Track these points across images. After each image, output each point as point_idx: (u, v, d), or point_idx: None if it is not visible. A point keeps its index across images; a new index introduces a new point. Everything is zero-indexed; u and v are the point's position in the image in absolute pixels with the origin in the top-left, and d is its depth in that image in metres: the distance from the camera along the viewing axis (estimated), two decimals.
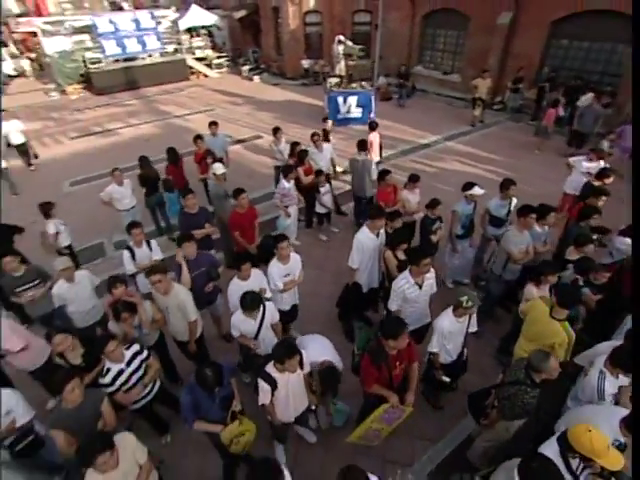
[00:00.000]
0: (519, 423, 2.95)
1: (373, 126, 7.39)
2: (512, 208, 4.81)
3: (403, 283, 3.47)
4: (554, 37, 10.95)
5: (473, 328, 3.35)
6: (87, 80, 18.14)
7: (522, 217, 4.12)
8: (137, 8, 22.72)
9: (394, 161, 9.31)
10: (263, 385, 2.74)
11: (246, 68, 21.10)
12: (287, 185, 5.75)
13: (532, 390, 2.69)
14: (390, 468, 3.43)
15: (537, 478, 2.00)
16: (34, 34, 21.40)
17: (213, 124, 7.38)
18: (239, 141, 11.21)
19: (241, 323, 3.28)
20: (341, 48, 11.57)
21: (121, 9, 23.19)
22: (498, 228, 4.85)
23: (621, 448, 2.46)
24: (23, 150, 9.52)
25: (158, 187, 6.30)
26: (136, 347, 3.12)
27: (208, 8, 23.81)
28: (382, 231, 4.18)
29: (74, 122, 13.67)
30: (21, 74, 23.86)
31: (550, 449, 2.29)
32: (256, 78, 19.87)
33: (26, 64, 24.63)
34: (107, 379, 2.94)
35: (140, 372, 3.11)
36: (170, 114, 14.17)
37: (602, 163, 5.76)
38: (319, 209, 6.34)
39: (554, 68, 10.98)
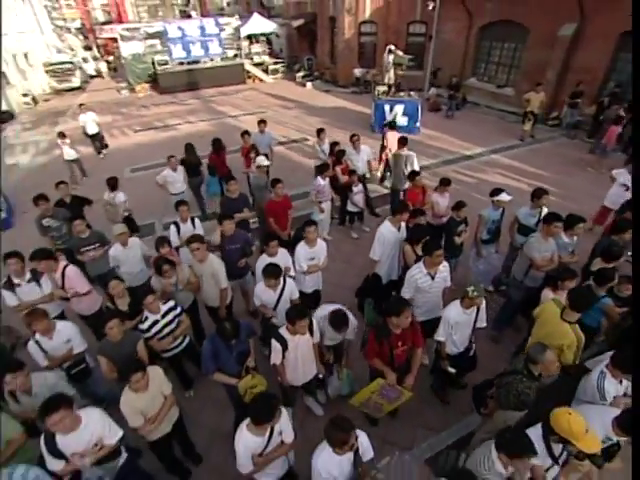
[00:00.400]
0: (518, 415, 3.06)
1: (392, 125, 8.19)
2: (542, 218, 4.85)
3: (416, 272, 3.72)
4: (622, 50, 10.51)
5: (482, 323, 3.52)
6: (154, 80, 19.99)
7: (547, 225, 4.19)
8: (204, 16, 24.69)
9: (434, 169, 9.43)
10: (275, 345, 3.13)
11: (300, 74, 22.05)
12: (322, 182, 6.17)
13: (527, 380, 2.82)
14: (388, 449, 3.65)
15: (509, 445, 2.18)
16: (114, 40, 23.95)
17: (262, 122, 8.03)
18: (285, 142, 11.86)
19: (262, 293, 3.70)
20: (391, 57, 11.90)
21: (189, 17, 25.29)
22: (526, 237, 4.90)
23: (614, 448, 2.55)
24: (96, 139, 10.85)
25: (200, 171, 7.27)
26: (171, 303, 3.64)
27: (269, 16, 25.28)
28: (403, 225, 4.44)
29: (139, 117, 15.19)
30: (99, 75, 26.65)
31: (534, 432, 2.44)
32: (309, 84, 20.70)
33: (103, 66, 27.49)
34: (145, 326, 3.48)
35: (172, 325, 3.62)
36: (225, 114, 15.26)
37: None
38: (351, 207, 6.69)
39: (619, 83, 10.54)
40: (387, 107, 12.20)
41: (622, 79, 10.60)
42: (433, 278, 3.73)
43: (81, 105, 10.64)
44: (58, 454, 2.48)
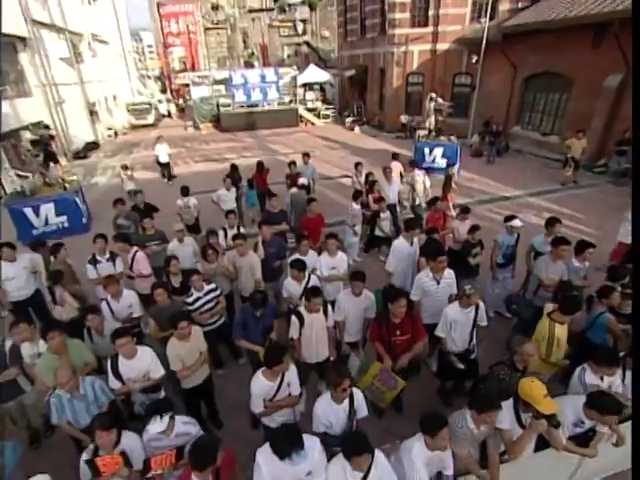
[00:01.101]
0: None
1: (395, 157, 9.36)
2: (551, 241, 5.23)
3: (423, 276, 4.30)
4: None
5: (483, 322, 3.95)
6: (217, 120, 22.70)
7: (555, 247, 4.62)
8: (265, 66, 27.95)
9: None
10: (294, 319, 3.80)
11: (349, 119, 23.92)
12: (356, 207, 7.00)
13: (509, 369, 3.23)
14: (390, 438, 4.04)
15: (478, 403, 2.64)
16: (186, 85, 27.68)
17: (306, 155, 9.21)
18: (328, 178, 12.97)
19: (289, 285, 4.43)
20: (432, 104, 12.95)
21: (252, 66, 28.67)
22: None
23: (589, 434, 2.88)
24: (166, 167, 12.65)
25: (239, 187, 8.76)
26: (213, 285, 4.48)
27: (325, 67, 27.97)
28: (416, 240, 5.05)
29: (200, 150, 17.35)
30: (169, 115, 30.52)
31: (506, 403, 2.85)
32: (357, 129, 22.35)
33: (172, 108, 31.45)
34: (189, 300, 4.33)
35: (212, 304, 4.44)
36: (277, 151, 16.96)
37: None
38: (378, 232, 7.36)
39: None
40: (427, 149, 13.07)
41: None
42: (438, 283, 4.27)
43: (159, 137, 12.59)
44: (118, 376, 3.29)
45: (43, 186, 8.63)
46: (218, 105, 22.30)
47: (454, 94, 18.60)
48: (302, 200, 6.91)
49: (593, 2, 11.92)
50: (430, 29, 18.11)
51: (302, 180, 7.25)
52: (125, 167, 10.12)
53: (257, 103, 23.17)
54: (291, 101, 24.27)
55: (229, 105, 22.27)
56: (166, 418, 2.71)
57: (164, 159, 12.44)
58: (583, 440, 2.92)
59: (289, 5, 37.71)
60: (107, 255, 4.96)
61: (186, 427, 2.87)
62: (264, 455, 2.50)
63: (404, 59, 19.63)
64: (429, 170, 12.86)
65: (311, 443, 2.57)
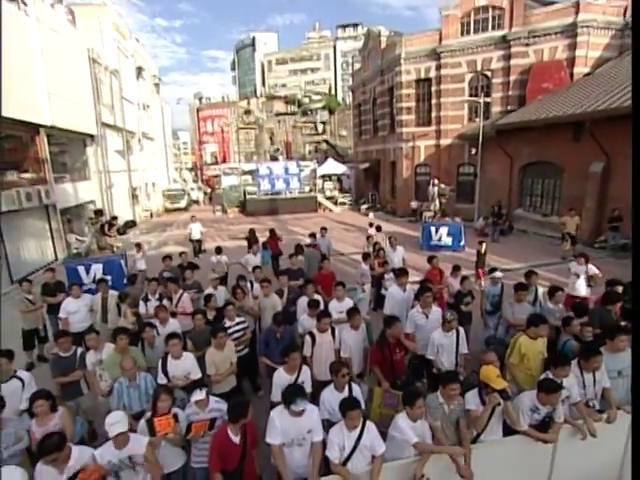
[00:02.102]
0: None
1: (378, 229, 11.25)
2: (538, 295, 6.14)
3: (414, 312, 5.27)
4: None
5: (463, 349, 4.78)
6: (243, 205, 25.37)
7: (515, 292, 5.59)
8: (289, 158, 31.86)
9: (470, 278, 10.87)
10: (307, 339, 4.75)
11: (364, 206, 26.32)
12: (365, 267, 8.17)
13: (477, 375, 4.02)
14: None
15: (442, 380, 3.49)
16: (215, 176, 31.39)
17: (323, 229, 10.72)
18: (342, 254, 14.34)
19: (304, 320, 5.40)
20: (436, 189, 14.79)
21: (277, 160, 32.63)
22: None
23: (547, 420, 3.61)
24: (198, 244, 14.35)
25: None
26: (242, 318, 5.53)
27: (343, 162, 31.55)
28: (409, 287, 6.09)
29: (227, 230, 19.40)
30: (197, 202, 33.97)
31: (472, 390, 3.66)
32: (371, 214, 24.47)
33: (201, 196, 35.07)
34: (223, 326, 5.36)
35: (239, 334, 5.42)
36: (297, 232, 18.79)
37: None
38: (383, 291, 8.37)
39: None
40: (433, 228, 14.52)
41: None
42: (427, 317, 5.21)
43: (192, 217, 14.57)
44: (165, 373, 4.25)
45: (97, 249, 10.28)
46: (245, 192, 25.20)
47: (459, 182, 20.77)
48: (315, 257, 8.17)
49: (570, 105, 14.23)
50: (433, 128, 21.10)
51: (320, 239, 8.72)
52: (139, 246, 10.58)
53: (280, 191, 26.02)
54: (311, 190, 27.10)
55: (255, 193, 25.15)
56: (204, 391, 3.62)
57: (196, 236, 14.19)
58: (542, 428, 3.59)
59: (311, 109, 43.80)
60: (157, 295, 6.17)
61: (218, 404, 3.73)
62: (277, 412, 3.36)
63: (412, 153, 22.44)
64: (437, 248, 14.26)
65: (311, 407, 3.41)
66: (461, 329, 4.80)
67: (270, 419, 3.38)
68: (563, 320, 4.91)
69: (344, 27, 67.67)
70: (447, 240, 14.31)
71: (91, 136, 17.33)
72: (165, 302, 6.13)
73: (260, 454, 3.62)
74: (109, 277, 10.03)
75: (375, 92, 25.88)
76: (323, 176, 29.33)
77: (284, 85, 63.73)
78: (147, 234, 19.61)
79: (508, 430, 3.64)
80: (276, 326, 4.81)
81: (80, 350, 4.78)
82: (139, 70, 24.94)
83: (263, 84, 67.22)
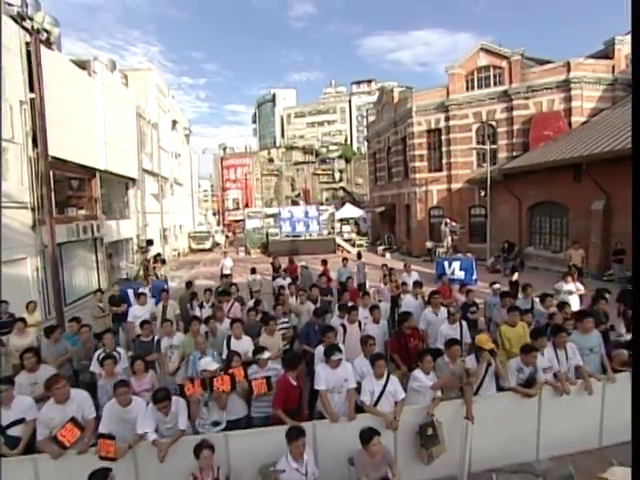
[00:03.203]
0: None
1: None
2: (535, 304, 7.23)
3: (426, 311, 6.47)
4: None
5: (467, 339, 5.88)
6: (264, 246, 27.07)
7: (501, 299, 6.80)
8: (308, 203, 34.00)
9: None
10: (340, 329, 5.93)
11: (381, 248, 27.67)
12: (382, 286, 9.41)
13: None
14: None
15: (447, 342, 4.65)
16: (236, 221, 33.51)
17: (345, 259, 12.07)
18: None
19: (335, 321, 6.62)
20: (447, 228, 16.15)
21: (297, 204, 34.81)
22: None
23: (530, 379, 4.69)
24: (228, 278, 15.75)
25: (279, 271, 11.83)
26: (286, 319, 6.77)
27: (360, 206, 33.48)
28: (420, 297, 7.31)
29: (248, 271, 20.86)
30: (218, 244, 35.92)
31: (470, 356, 4.78)
32: (388, 255, 25.74)
33: (222, 239, 37.05)
34: None
35: (284, 331, 6.64)
36: (316, 269, 20.10)
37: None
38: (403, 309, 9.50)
39: None
40: (446, 263, 15.67)
41: None
42: (437, 315, 6.38)
43: (225, 252, 16.16)
44: (229, 349, 5.49)
45: (143, 276, 11.82)
46: (267, 234, 27.01)
47: (471, 223, 22.14)
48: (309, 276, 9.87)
49: (570, 150, 15.80)
50: (445, 173, 22.89)
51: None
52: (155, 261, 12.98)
53: (300, 234, 27.70)
54: (329, 232, 28.72)
55: (277, 235, 26.92)
56: (267, 353, 4.86)
57: (227, 271, 15.63)
58: (527, 386, 4.65)
59: (329, 158, 46.86)
60: (210, 303, 7.53)
61: (273, 364, 4.94)
62: (321, 367, 4.55)
63: (425, 197, 24.12)
64: (451, 281, 15.31)
65: (345, 362, 4.58)
66: (464, 322, 5.95)
67: (316, 373, 4.58)
68: (549, 316, 6.02)
69: (358, 83, 73.32)
70: (460, 274, 15.37)
71: (133, 180, 19.65)
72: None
73: None
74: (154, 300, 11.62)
75: (389, 142, 28.23)
76: (341, 220, 31.15)
77: (302, 136, 68.40)
78: (177, 270, 21.25)
79: (501, 390, 4.73)
80: (315, 318, 6.06)
81: (157, 337, 6.10)
82: (174, 123, 28.17)
83: (282, 135, 72.26)
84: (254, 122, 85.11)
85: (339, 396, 4.52)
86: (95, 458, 3.83)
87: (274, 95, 78.52)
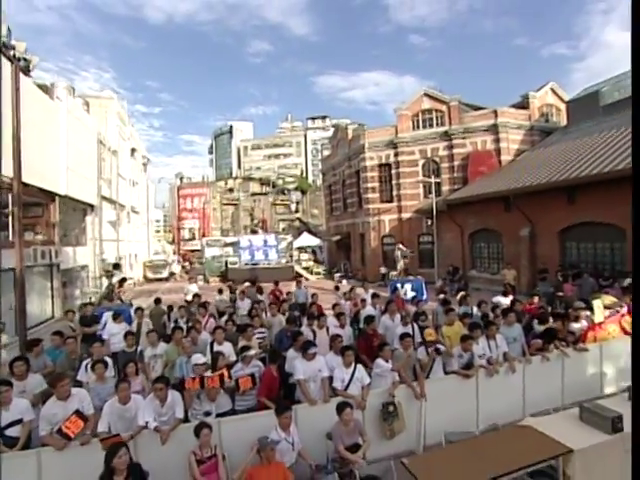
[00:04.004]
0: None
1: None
2: (473, 311, 8.47)
3: (384, 318, 7.45)
4: (564, 241, 15.45)
5: (418, 338, 6.87)
6: (223, 275, 27.15)
7: (442, 306, 7.95)
8: (266, 233, 34.70)
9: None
10: (310, 333, 6.71)
11: (337, 275, 28.74)
12: (343, 302, 10.29)
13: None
14: None
15: (401, 336, 5.60)
16: (192, 251, 33.33)
17: (299, 282, 12.92)
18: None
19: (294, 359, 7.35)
20: (399, 252, 17.62)
21: (256, 233, 35.37)
22: None
23: (469, 364, 5.73)
24: (199, 298, 15.90)
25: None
26: (262, 329, 7.42)
27: (317, 236, 34.67)
28: (378, 306, 8.31)
29: (211, 296, 20.98)
30: (173, 274, 35.26)
31: (421, 349, 5.76)
32: (344, 281, 26.79)
33: (178, 269, 36.45)
34: None
35: (260, 341, 7.28)
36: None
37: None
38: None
39: (563, 263, 14.98)
40: (399, 285, 16.87)
41: (570, 260, 15.08)
42: (393, 321, 7.37)
43: (190, 278, 16.35)
44: (212, 351, 6.06)
45: (107, 300, 11.83)
46: (227, 263, 27.21)
47: (420, 250, 23.98)
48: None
49: (500, 184, 18.12)
50: (395, 204, 24.82)
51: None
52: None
53: (259, 262, 28.18)
54: (288, 261, 29.45)
55: (236, 263, 27.21)
56: (252, 351, 5.53)
57: (190, 297, 15.78)
58: (466, 369, 5.68)
59: (286, 189, 48.22)
60: (185, 319, 8.02)
61: (255, 362, 5.61)
62: (299, 360, 5.32)
63: (378, 226, 25.81)
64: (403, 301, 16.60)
65: (319, 356, 5.38)
66: (415, 324, 6.99)
67: (294, 366, 5.32)
68: (482, 315, 7.24)
69: (313, 119, 77.02)
70: (411, 294, 16.56)
71: (91, 206, 19.44)
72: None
73: None
74: None
75: (344, 174, 30.07)
76: (299, 248, 32.06)
77: (259, 168, 69.89)
78: (135, 299, 20.76)
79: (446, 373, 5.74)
80: (288, 325, 6.81)
81: (140, 348, 6.52)
82: (132, 151, 28.17)
83: (239, 167, 73.29)
84: (210, 153, 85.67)
85: (315, 384, 5.28)
86: (96, 450, 4.24)
87: (231, 127, 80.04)
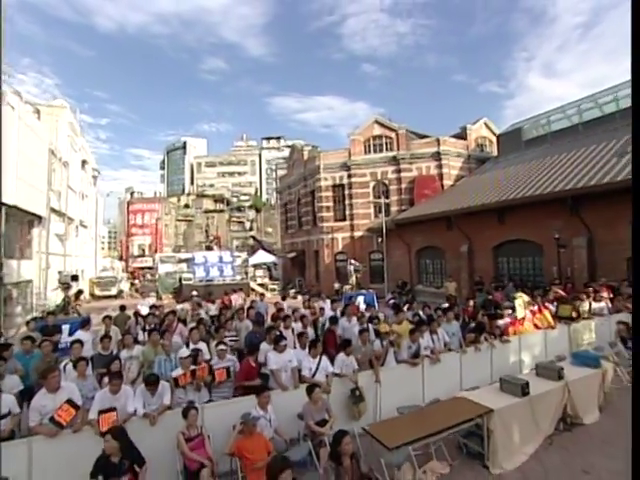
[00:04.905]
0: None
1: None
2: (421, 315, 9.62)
3: (342, 320, 8.34)
4: (497, 256, 17.47)
5: (372, 336, 7.83)
6: (177, 291, 26.74)
7: (393, 310, 9.05)
8: (221, 248, 34.64)
9: None
10: (277, 333, 7.41)
11: (292, 291, 29.36)
12: (303, 310, 11.08)
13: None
14: None
15: (360, 331, 6.51)
16: (141, 268, 32.45)
17: (261, 294, 13.55)
18: None
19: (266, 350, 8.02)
20: (352, 267, 18.79)
21: (211, 249, 35.16)
22: None
23: (417, 353, 6.73)
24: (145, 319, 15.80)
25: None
26: (233, 333, 7.98)
27: (271, 251, 35.16)
28: (339, 310, 9.22)
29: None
30: (122, 291, 33.98)
31: (376, 340, 6.70)
32: (299, 297, 27.48)
33: (126, 286, 35.17)
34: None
35: (232, 344, 7.83)
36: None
37: None
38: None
39: (497, 275, 16.96)
40: (352, 297, 18.06)
41: (502, 272, 17.07)
42: (350, 322, 8.29)
43: (142, 292, 16.23)
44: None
45: (62, 312, 11.63)
46: (181, 279, 26.86)
47: (371, 266, 25.40)
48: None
49: (442, 206, 20.06)
50: (348, 222, 26.22)
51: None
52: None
53: (214, 278, 28.05)
54: (243, 278, 29.59)
55: (190, 279, 26.93)
56: (225, 347, 6.14)
57: (145, 312, 15.66)
58: (414, 358, 6.68)
59: (241, 207, 48.42)
60: (152, 326, 8.36)
61: (231, 357, 6.22)
62: (271, 353, 6.02)
63: (332, 243, 27.00)
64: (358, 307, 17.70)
65: (289, 349, 6.12)
66: (370, 325, 7.95)
67: (268, 357, 6.01)
68: (427, 316, 8.39)
69: (268, 139, 78.29)
70: (363, 306, 17.80)
71: (39, 218, 18.70)
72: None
73: None
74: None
75: (300, 194, 31.18)
76: (254, 265, 32.35)
77: (212, 185, 69.34)
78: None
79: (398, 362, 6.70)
80: (257, 327, 7.47)
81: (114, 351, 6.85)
82: (83, 163, 27.28)
83: (192, 183, 72.18)
84: (162, 168, 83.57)
85: (285, 374, 5.99)
86: (87, 437, 4.64)
87: (185, 143, 79.00)
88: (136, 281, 38.43)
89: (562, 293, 10.76)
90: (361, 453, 4.82)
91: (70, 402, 4.79)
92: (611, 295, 10.25)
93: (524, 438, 5.13)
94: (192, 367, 5.64)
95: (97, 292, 27.76)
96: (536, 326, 8.32)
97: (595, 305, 9.53)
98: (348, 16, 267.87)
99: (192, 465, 4.54)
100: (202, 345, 6.80)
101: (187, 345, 6.82)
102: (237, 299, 14.51)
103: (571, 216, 13.66)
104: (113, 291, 28.23)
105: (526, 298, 8.69)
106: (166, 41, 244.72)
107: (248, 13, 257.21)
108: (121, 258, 43.69)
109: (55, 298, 19.60)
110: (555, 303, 9.61)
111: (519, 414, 5.08)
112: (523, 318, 8.26)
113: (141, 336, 8.16)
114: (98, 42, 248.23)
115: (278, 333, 7.27)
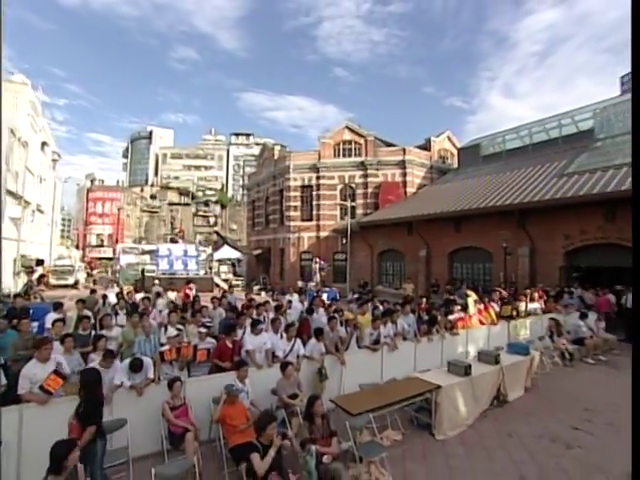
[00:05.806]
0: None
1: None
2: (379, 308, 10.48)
3: (318, 316, 9.00)
4: (452, 262, 18.88)
5: (338, 325, 8.57)
6: (140, 282, 26.22)
7: (358, 306, 9.88)
8: (186, 242, 34.21)
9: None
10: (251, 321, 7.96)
11: (256, 287, 29.59)
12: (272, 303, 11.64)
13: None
14: None
15: (329, 319, 7.22)
16: (98, 259, 31.47)
17: (231, 287, 13.98)
18: None
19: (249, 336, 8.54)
20: (317, 266, 19.53)
21: (176, 242, 34.59)
22: None
23: (377, 340, 7.52)
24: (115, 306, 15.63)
25: None
26: (209, 319, 8.42)
27: (235, 248, 35.20)
28: (306, 302, 9.89)
29: None
30: (77, 282, 32.72)
31: (342, 327, 7.43)
32: (263, 294, 27.85)
33: (82, 277, 33.89)
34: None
35: (207, 329, 8.27)
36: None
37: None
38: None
39: (451, 280, 18.37)
40: (318, 293, 18.80)
41: (456, 276, 18.49)
42: (317, 313, 8.97)
43: (110, 281, 16.01)
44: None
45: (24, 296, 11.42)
46: (143, 271, 26.35)
47: (335, 266, 26.29)
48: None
49: (404, 211, 21.29)
50: (314, 222, 26.99)
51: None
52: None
53: (177, 272, 27.72)
54: (206, 272, 29.46)
55: (153, 271, 26.48)
56: (204, 330, 6.62)
57: (113, 300, 15.50)
58: (375, 344, 7.47)
59: (207, 202, 47.86)
60: (124, 311, 8.63)
61: (210, 339, 6.71)
62: (247, 335, 6.58)
63: (298, 242, 27.65)
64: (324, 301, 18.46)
65: (264, 332, 6.72)
66: (336, 314, 8.69)
67: (244, 339, 6.57)
68: (386, 310, 9.25)
69: (237, 135, 77.58)
70: (327, 302, 18.62)
71: None
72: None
73: None
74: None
75: (268, 192, 31.56)
76: (219, 261, 32.29)
77: (177, 177, 67.70)
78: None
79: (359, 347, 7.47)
80: (231, 314, 7.97)
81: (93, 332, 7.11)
82: (43, 144, 26.06)
83: (156, 174, 70.05)
84: (125, 156, 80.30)
85: (260, 354, 6.57)
86: (75, 405, 4.99)
87: (151, 132, 76.48)
88: (94, 272, 37.09)
89: (505, 294, 12.06)
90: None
91: (57, 372, 5.11)
92: (545, 298, 11.70)
93: (465, 411, 6.04)
94: (177, 345, 6.09)
95: (52, 281, 26.57)
96: (481, 322, 9.44)
97: (530, 306, 10.87)
98: (324, 19, 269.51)
99: (177, 430, 5.02)
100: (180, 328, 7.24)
101: (166, 328, 7.21)
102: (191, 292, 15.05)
103: (517, 228, 15.19)
104: (70, 280, 27.15)
105: (475, 297, 9.80)
106: (135, 24, 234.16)
107: (223, 5, 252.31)
108: (77, 247, 41.84)
109: (13, 283, 18.78)
110: (499, 303, 10.84)
111: (462, 391, 5.98)
112: (470, 315, 9.36)
113: (114, 320, 8.43)
114: (58, 15, 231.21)
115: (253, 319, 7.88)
